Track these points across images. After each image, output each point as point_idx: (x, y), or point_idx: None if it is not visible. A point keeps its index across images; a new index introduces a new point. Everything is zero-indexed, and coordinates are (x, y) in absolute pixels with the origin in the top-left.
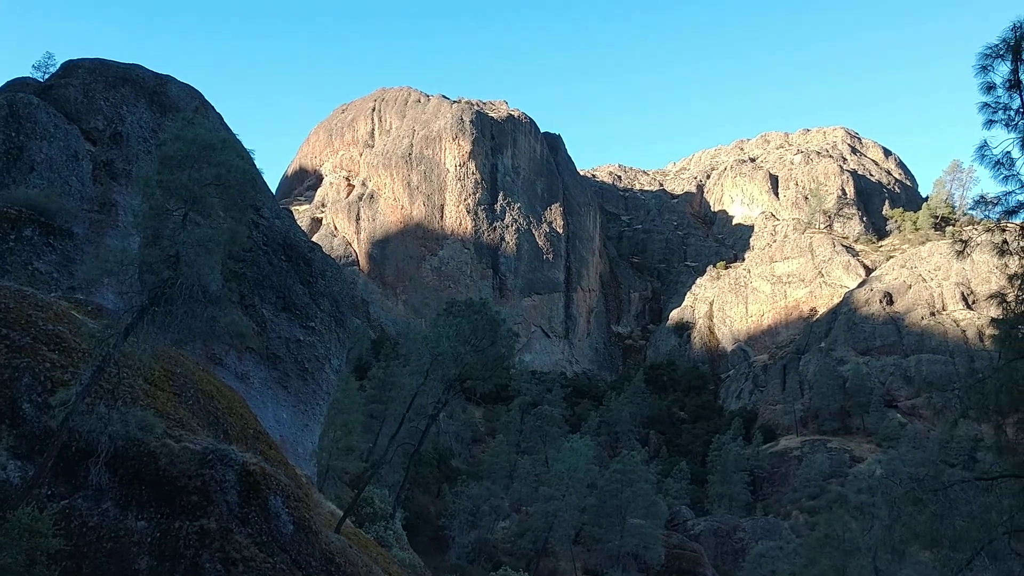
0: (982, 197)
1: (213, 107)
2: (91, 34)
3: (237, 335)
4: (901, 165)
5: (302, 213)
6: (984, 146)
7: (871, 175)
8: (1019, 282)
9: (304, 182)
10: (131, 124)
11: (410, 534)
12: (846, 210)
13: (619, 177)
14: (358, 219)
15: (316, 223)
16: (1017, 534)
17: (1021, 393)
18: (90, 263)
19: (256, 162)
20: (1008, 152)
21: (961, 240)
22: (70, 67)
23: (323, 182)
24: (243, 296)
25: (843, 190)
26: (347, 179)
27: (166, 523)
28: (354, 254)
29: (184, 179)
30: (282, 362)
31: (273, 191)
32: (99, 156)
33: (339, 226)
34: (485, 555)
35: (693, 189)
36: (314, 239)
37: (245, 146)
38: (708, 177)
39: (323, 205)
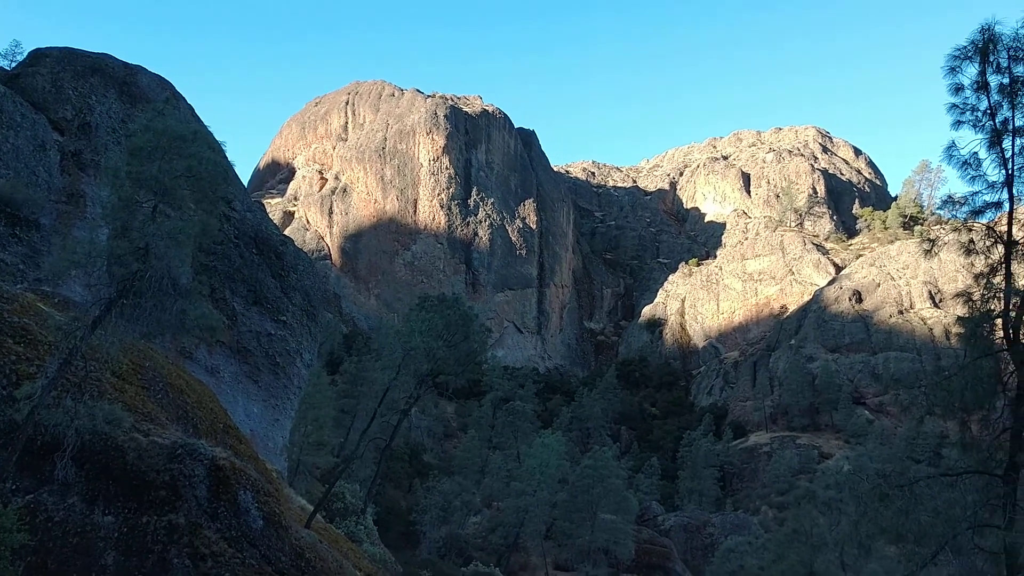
0: (950, 197)
1: (184, 98)
2: (58, 26)
3: (207, 329)
4: (871, 164)
5: (274, 206)
6: (952, 146)
7: (842, 174)
8: (985, 281)
9: (276, 175)
10: (100, 114)
11: (381, 529)
12: (817, 208)
13: (593, 174)
14: (331, 213)
15: (288, 216)
16: (980, 529)
17: (985, 390)
18: (57, 255)
19: (228, 154)
20: (975, 153)
21: (929, 239)
22: (38, 56)
23: (296, 175)
24: (214, 289)
25: (814, 189)
26: (320, 173)
27: (134, 518)
28: (326, 248)
29: (154, 170)
30: (253, 356)
31: (245, 184)
32: (67, 146)
33: (311, 220)
34: (456, 550)
35: (666, 186)
36: (286, 233)
37: (216, 138)
38: (681, 174)
39: (295, 198)
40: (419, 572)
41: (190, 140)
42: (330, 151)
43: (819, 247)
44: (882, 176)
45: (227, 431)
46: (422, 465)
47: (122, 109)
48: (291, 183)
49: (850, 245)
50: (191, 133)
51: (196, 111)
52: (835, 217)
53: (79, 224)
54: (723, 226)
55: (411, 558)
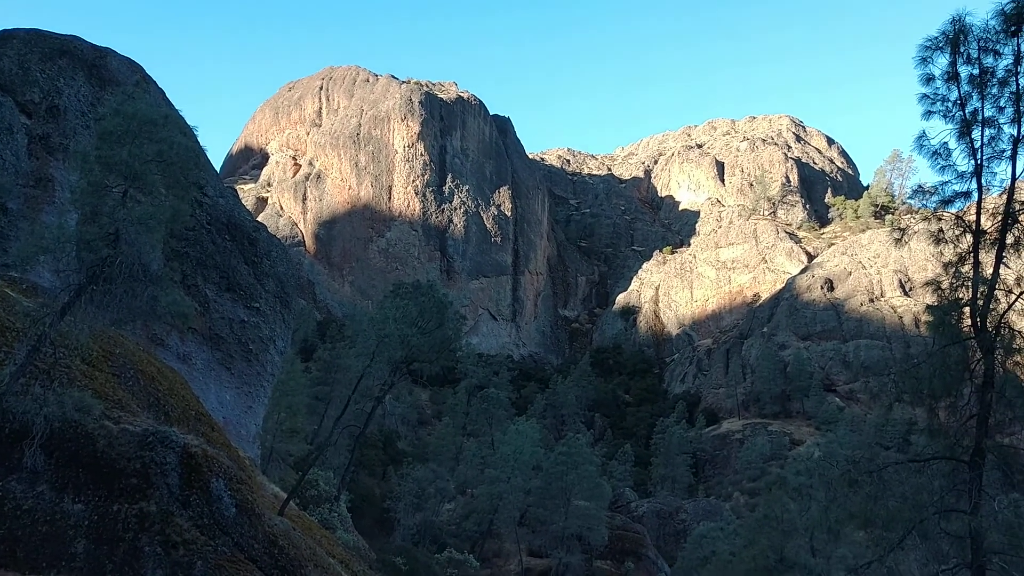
0: (920, 187)
1: (155, 82)
2: (25, 6)
3: (179, 315)
4: (844, 154)
5: (247, 192)
6: (923, 136)
7: (815, 163)
8: (953, 270)
9: (249, 160)
10: (69, 97)
11: (355, 516)
12: (790, 197)
13: (568, 161)
14: (304, 199)
15: (262, 203)
16: (947, 514)
17: (953, 378)
18: (25, 240)
19: (199, 139)
20: (945, 143)
21: (899, 228)
22: (4, 37)
23: (269, 161)
24: (185, 276)
25: (787, 177)
26: (294, 158)
27: (104, 506)
28: (300, 235)
29: (124, 155)
30: (225, 343)
31: (217, 169)
32: (35, 129)
33: (285, 206)
34: (430, 537)
35: (641, 174)
36: (259, 219)
37: (188, 122)
38: (656, 163)
39: (269, 184)
40: (393, 559)
41: (161, 124)
42: (304, 137)
43: (792, 236)
44: (854, 165)
45: (199, 419)
46: (396, 452)
47: (91, 92)
48: (264, 169)
49: (822, 234)
50: (162, 117)
51: (167, 95)
52: (808, 206)
53: (47, 209)
54: (697, 214)
55: (385, 545)
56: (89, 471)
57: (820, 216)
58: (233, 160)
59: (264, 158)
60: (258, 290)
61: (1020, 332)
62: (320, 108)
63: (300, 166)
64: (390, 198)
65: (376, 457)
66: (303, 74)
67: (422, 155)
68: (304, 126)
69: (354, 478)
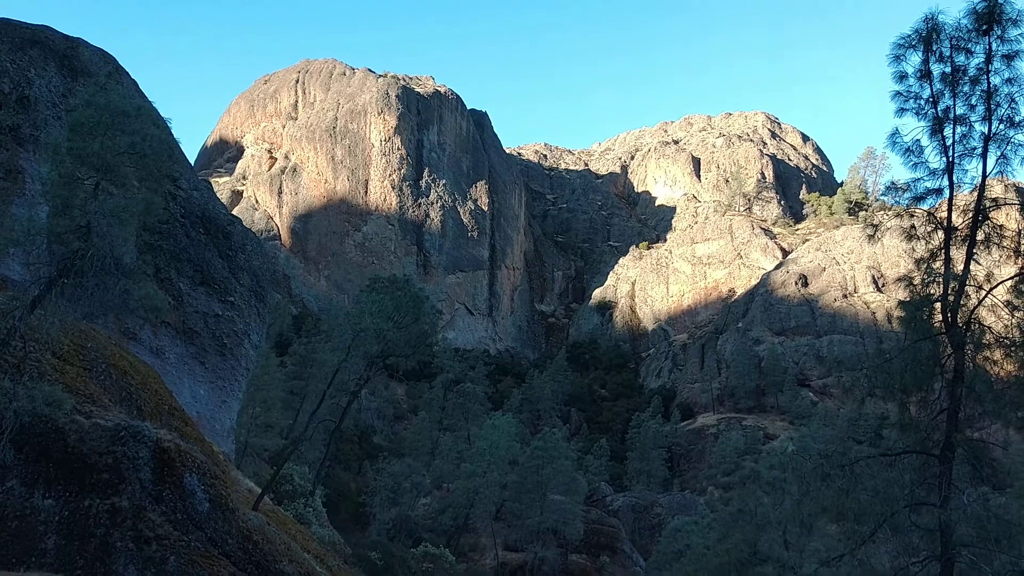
0: (893, 183)
1: (128, 73)
2: None
3: (152, 309)
4: (818, 150)
5: (222, 185)
6: (896, 133)
7: (790, 160)
8: (925, 266)
9: (224, 153)
10: (39, 88)
11: (330, 511)
12: (765, 193)
13: (545, 156)
14: (280, 193)
15: (237, 196)
16: (917, 507)
17: (924, 373)
18: None
19: (173, 131)
20: (918, 140)
21: (872, 225)
22: None
23: (244, 154)
24: (159, 269)
25: (763, 174)
26: (269, 152)
27: (75, 501)
28: (276, 228)
29: (96, 147)
30: (199, 337)
31: (191, 162)
32: (4, 120)
33: (260, 199)
34: (406, 531)
35: (617, 170)
36: (234, 212)
37: (161, 114)
38: (632, 158)
39: (244, 178)
40: (368, 554)
41: (133, 116)
42: (280, 130)
43: (767, 232)
44: (829, 162)
45: (172, 413)
46: (372, 447)
47: (63, 83)
48: (240, 162)
49: (797, 230)
50: (134, 109)
51: (140, 86)
52: (783, 202)
53: (18, 201)
54: (673, 210)
55: (360, 540)
56: (60, 466)
57: (795, 212)
58: (208, 153)
59: (239, 151)
60: (233, 284)
61: (990, 328)
62: (296, 101)
63: (276, 159)
64: (367, 192)
65: (352, 452)
66: (279, 67)
67: (399, 149)
68: (280, 119)
69: (329, 473)
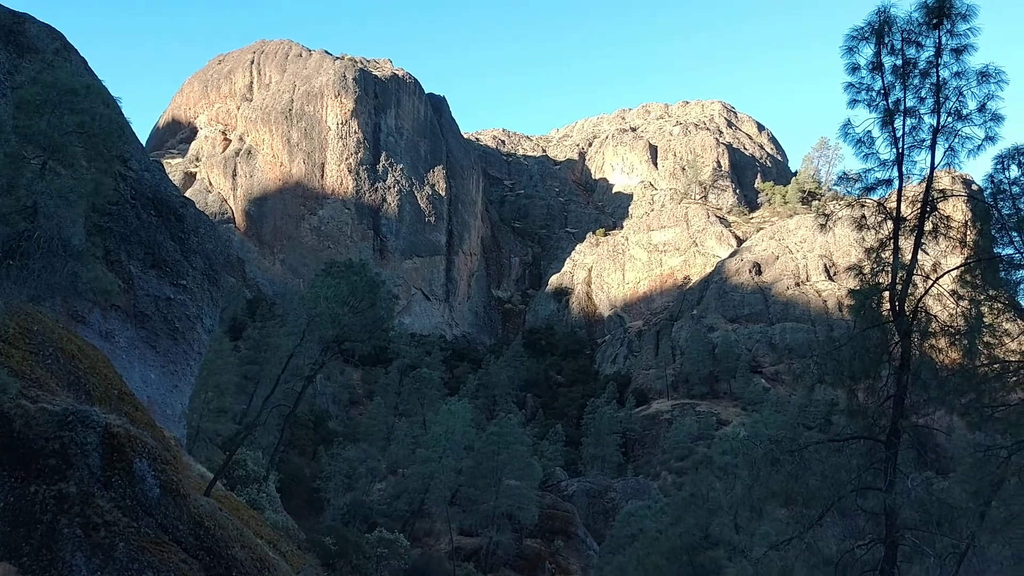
0: (845, 174)
1: (76, 50)
2: None
3: (101, 292)
4: (773, 140)
5: (174, 167)
6: (848, 125)
7: (745, 149)
8: (874, 255)
9: (177, 134)
10: None
11: (284, 496)
12: (721, 182)
13: (503, 142)
14: (235, 175)
15: (190, 178)
16: (864, 492)
17: (872, 360)
18: None
19: (124, 111)
20: (869, 132)
21: (824, 214)
22: None
23: (198, 135)
24: (108, 251)
25: (719, 162)
26: (223, 133)
27: (21, 487)
28: (230, 211)
29: (43, 126)
30: (150, 321)
31: (143, 142)
32: None
33: (214, 182)
34: (360, 517)
35: (575, 156)
36: (187, 194)
37: (111, 93)
38: (590, 145)
39: (197, 159)
40: (322, 539)
41: (82, 94)
42: (234, 111)
43: (722, 220)
44: (783, 152)
45: (122, 398)
46: (327, 432)
47: (8, 60)
48: (193, 143)
49: (751, 218)
50: (83, 87)
51: (89, 64)
52: (738, 191)
53: None
54: (630, 197)
55: (315, 525)
56: (5, 452)
57: (750, 201)
58: (160, 133)
59: (192, 132)
60: (185, 267)
61: (936, 317)
62: (251, 82)
63: (230, 141)
64: (323, 176)
65: (306, 437)
66: (233, 47)
67: (356, 133)
68: (234, 100)
69: (283, 458)
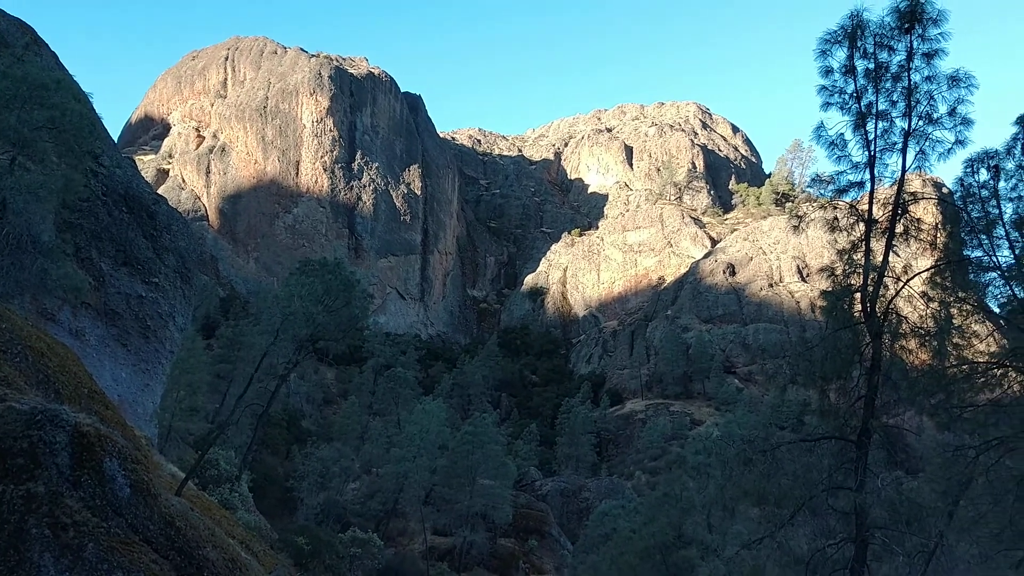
0: (818, 176)
1: (47, 44)
2: None
3: (71, 289)
4: (748, 142)
5: (147, 163)
6: (821, 127)
7: (720, 150)
8: (846, 257)
9: (150, 131)
10: None
11: (257, 496)
12: (695, 183)
13: (479, 141)
14: (208, 172)
15: (162, 174)
16: (835, 491)
17: (844, 361)
18: None
19: (95, 106)
20: (842, 134)
21: (797, 216)
22: None
23: (171, 132)
24: (79, 248)
25: (693, 164)
26: (197, 130)
27: None
28: (203, 209)
29: (12, 120)
30: (121, 319)
31: (115, 138)
32: None
33: (187, 179)
34: (334, 516)
35: (551, 156)
36: (160, 191)
37: (83, 88)
38: (566, 145)
39: (170, 156)
40: (295, 539)
41: (53, 89)
42: (208, 108)
43: (697, 221)
44: (757, 153)
45: (92, 396)
46: (300, 431)
47: None
48: (166, 140)
49: (726, 219)
50: (54, 82)
51: (60, 58)
52: (712, 192)
53: None
54: (605, 197)
55: (288, 525)
56: None
57: (724, 202)
58: (132, 129)
59: (165, 128)
60: (157, 265)
61: (906, 318)
62: (225, 79)
63: (204, 138)
64: (298, 174)
65: (280, 436)
66: (207, 43)
67: (331, 131)
68: (208, 97)
69: (256, 457)
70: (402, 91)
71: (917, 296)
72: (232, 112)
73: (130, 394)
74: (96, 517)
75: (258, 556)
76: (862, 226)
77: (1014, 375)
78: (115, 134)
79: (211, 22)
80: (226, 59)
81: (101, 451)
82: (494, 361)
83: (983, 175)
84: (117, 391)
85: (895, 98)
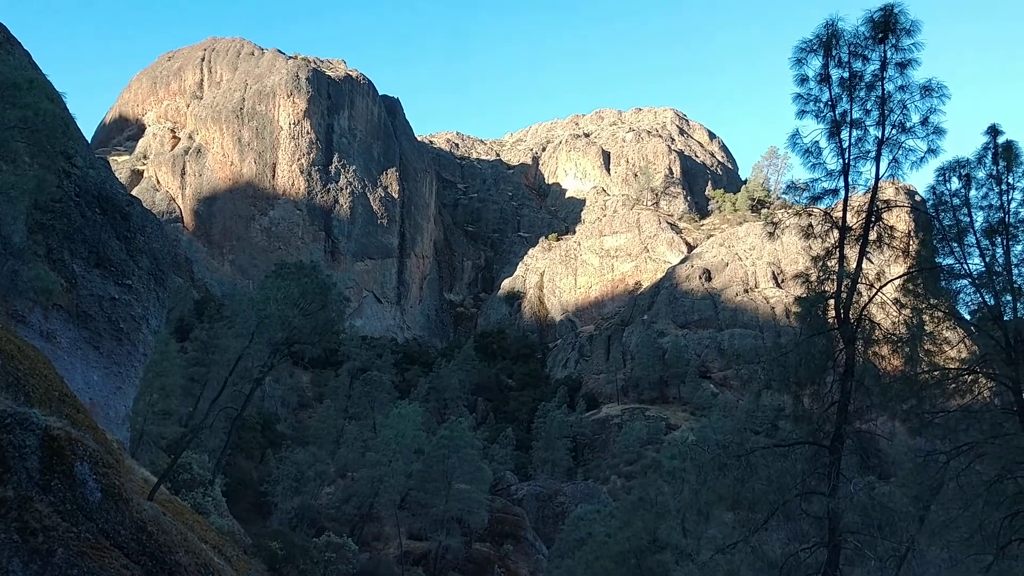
0: (793, 183)
1: (20, 43)
2: None
3: (43, 291)
4: (724, 148)
5: (121, 164)
6: (796, 135)
7: (696, 156)
8: (821, 263)
9: (124, 131)
10: None
11: (231, 500)
12: (672, 189)
13: (456, 145)
14: (183, 174)
15: (137, 176)
16: (808, 496)
17: (817, 366)
18: None
19: (69, 106)
20: (817, 142)
21: (772, 223)
22: None
23: (145, 132)
24: (51, 250)
25: (670, 169)
26: (172, 131)
27: None
28: (178, 210)
29: None
30: (94, 321)
31: (88, 139)
32: None
33: (162, 180)
34: (308, 521)
35: (529, 161)
36: (134, 192)
37: (57, 88)
38: (544, 150)
39: (145, 157)
40: (269, 543)
41: (25, 88)
42: (184, 109)
43: (673, 226)
44: (734, 160)
45: (63, 399)
46: (275, 435)
47: None
48: (140, 140)
49: (702, 225)
50: (27, 81)
51: (33, 57)
52: (689, 198)
53: None
54: (583, 202)
55: (261, 529)
56: None
57: (700, 208)
58: (106, 130)
59: (140, 129)
60: (131, 266)
61: (879, 324)
62: (202, 80)
63: (179, 139)
64: (274, 176)
65: (254, 440)
66: (183, 44)
67: (308, 133)
68: (184, 98)
69: (230, 461)
70: (380, 94)
71: (890, 303)
72: (208, 113)
73: (102, 397)
74: (66, 522)
75: (231, 561)
76: (836, 233)
77: (984, 381)
78: (89, 135)
79: (187, 23)
80: (203, 60)
81: (72, 455)
82: (470, 365)
83: (955, 183)
84: (89, 394)
85: (869, 107)
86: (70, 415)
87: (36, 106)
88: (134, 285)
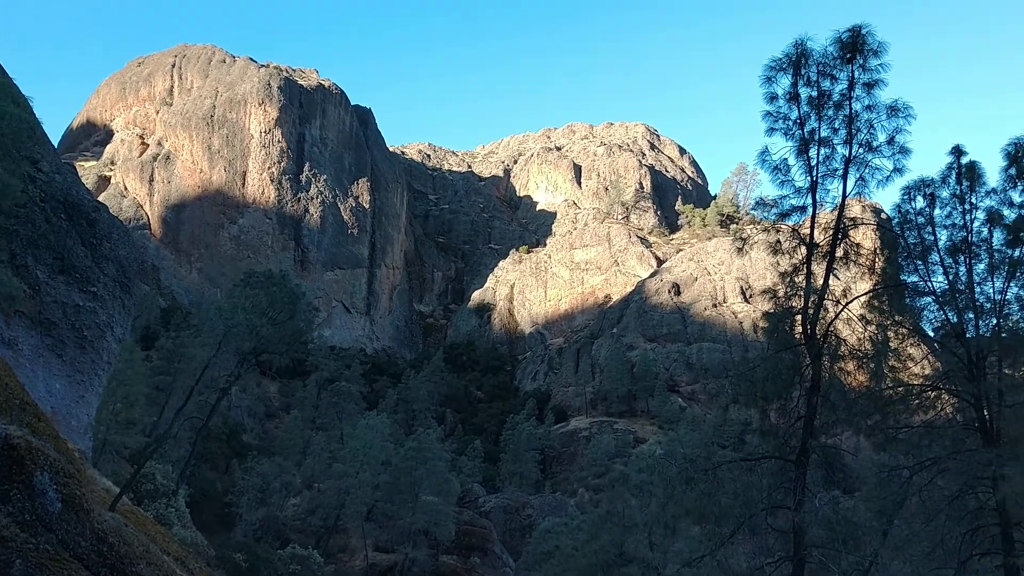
0: (762, 199)
1: None
2: None
3: (5, 297)
4: (694, 164)
5: (88, 170)
6: (765, 152)
7: (667, 171)
8: (788, 279)
9: (91, 137)
10: None
11: (194, 512)
12: (643, 203)
13: (428, 156)
14: (151, 180)
15: (104, 182)
16: (774, 510)
17: (784, 381)
18: None
19: (36, 111)
20: (785, 159)
21: (741, 238)
22: None
23: (113, 138)
24: (14, 255)
25: (641, 184)
26: (141, 137)
27: None
28: (145, 217)
29: None
30: (57, 328)
31: (55, 144)
32: None
33: (130, 187)
34: (273, 532)
35: (500, 173)
36: (101, 198)
37: (23, 92)
38: (515, 162)
39: (112, 163)
40: (233, 555)
41: None
42: (153, 115)
43: (643, 240)
44: (704, 175)
45: (24, 408)
46: (241, 445)
47: None
48: (108, 146)
49: (672, 239)
50: None
51: None
52: (659, 212)
53: None
54: (554, 215)
55: (225, 541)
56: None
57: (670, 223)
58: (73, 135)
59: (108, 135)
60: (96, 273)
61: (845, 340)
62: (172, 86)
63: (148, 146)
64: (244, 184)
65: (219, 450)
66: (154, 50)
67: (279, 142)
68: (153, 104)
69: (195, 472)
70: (352, 104)
71: (856, 319)
72: (178, 120)
73: (64, 406)
74: (25, 532)
75: (194, 573)
76: (804, 249)
77: (947, 397)
78: (56, 140)
79: (159, 30)
80: (173, 66)
81: (32, 464)
82: (439, 376)
83: (920, 202)
84: (51, 403)
85: (837, 125)
86: (31, 424)
87: (1, 110)
88: (99, 292)
